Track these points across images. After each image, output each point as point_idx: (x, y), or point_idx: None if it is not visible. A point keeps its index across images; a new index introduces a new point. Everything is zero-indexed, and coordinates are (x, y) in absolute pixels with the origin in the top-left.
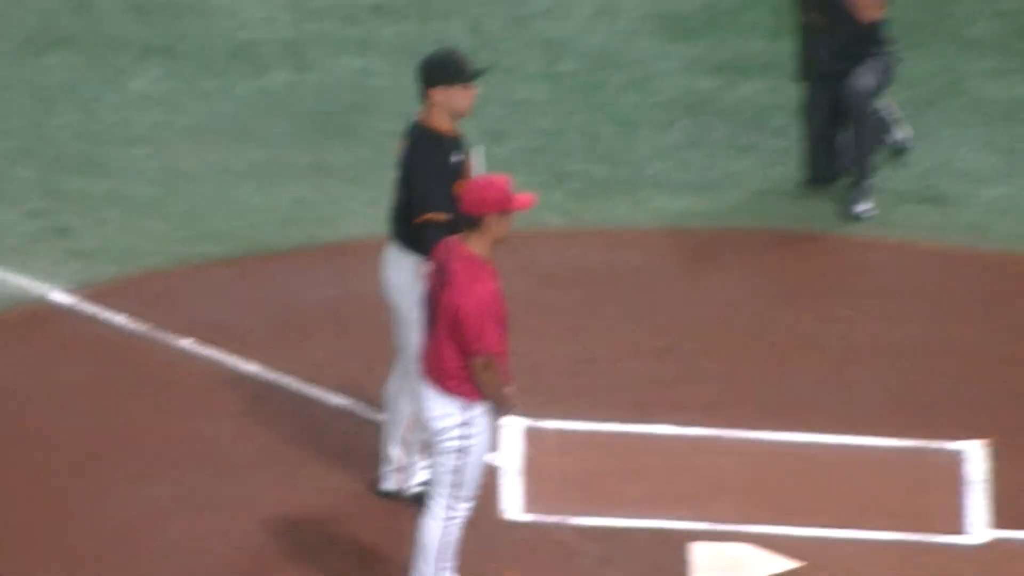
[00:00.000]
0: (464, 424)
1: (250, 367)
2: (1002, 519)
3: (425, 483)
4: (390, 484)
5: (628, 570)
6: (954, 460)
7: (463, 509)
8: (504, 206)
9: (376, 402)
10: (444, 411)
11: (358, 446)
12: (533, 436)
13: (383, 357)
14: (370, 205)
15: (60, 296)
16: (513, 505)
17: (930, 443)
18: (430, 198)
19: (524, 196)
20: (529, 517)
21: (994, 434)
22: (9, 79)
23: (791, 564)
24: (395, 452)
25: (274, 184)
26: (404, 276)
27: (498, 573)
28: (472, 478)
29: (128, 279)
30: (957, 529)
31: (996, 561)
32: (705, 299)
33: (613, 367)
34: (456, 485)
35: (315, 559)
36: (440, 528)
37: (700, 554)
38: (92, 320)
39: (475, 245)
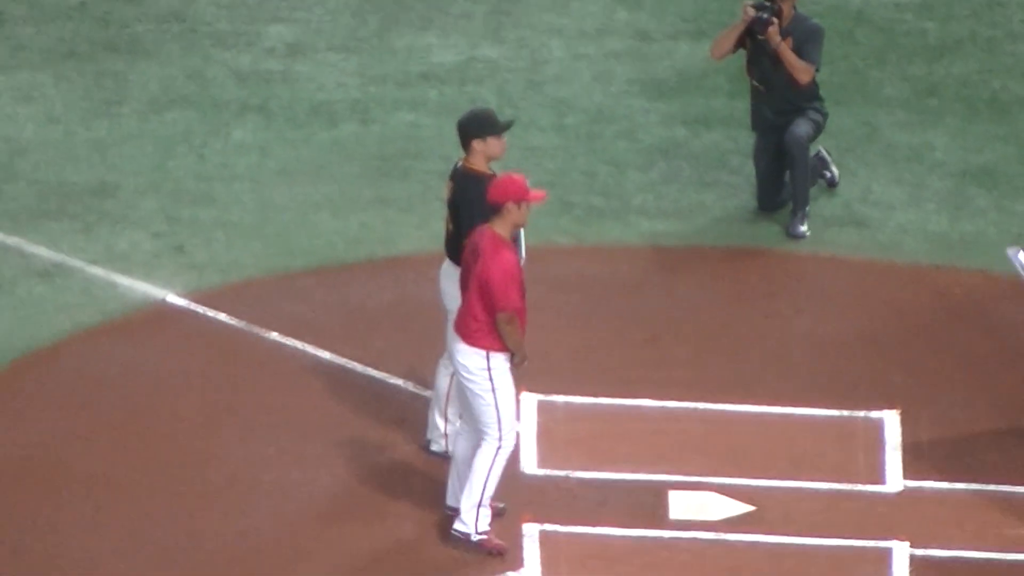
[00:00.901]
0: (486, 369)
1: (325, 355)
2: (910, 472)
3: None
4: (437, 447)
5: (619, 512)
6: (875, 425)
7: (509, 440)
8: (521, 197)
9: (425, 382)
10: (472, 360)
11: (412, 416)
12: (544, 407)
13: (431, 346)
14: (419, 228)
15: (176, 299)
16: (529, 461)
17: (855, 412)
18: (474, 225)
19: (537, 191)
20: (541, 471)
21: (904, 406)
22: (138, 131)
23: (746, 508)
24: (440, 421)
25: (345, 212)
26: (454, 285)
27: (518, 515)
28: (509, 413)
29: (230, 286)
30: (877, 480)
31: (907, 504)
32: (679, 301)
33: (607, 354)
34: (497, 420)
35: (378, 504)
36: (491, 458)
37: (675, 500)
38: (202, 318)
39: (499, 228)
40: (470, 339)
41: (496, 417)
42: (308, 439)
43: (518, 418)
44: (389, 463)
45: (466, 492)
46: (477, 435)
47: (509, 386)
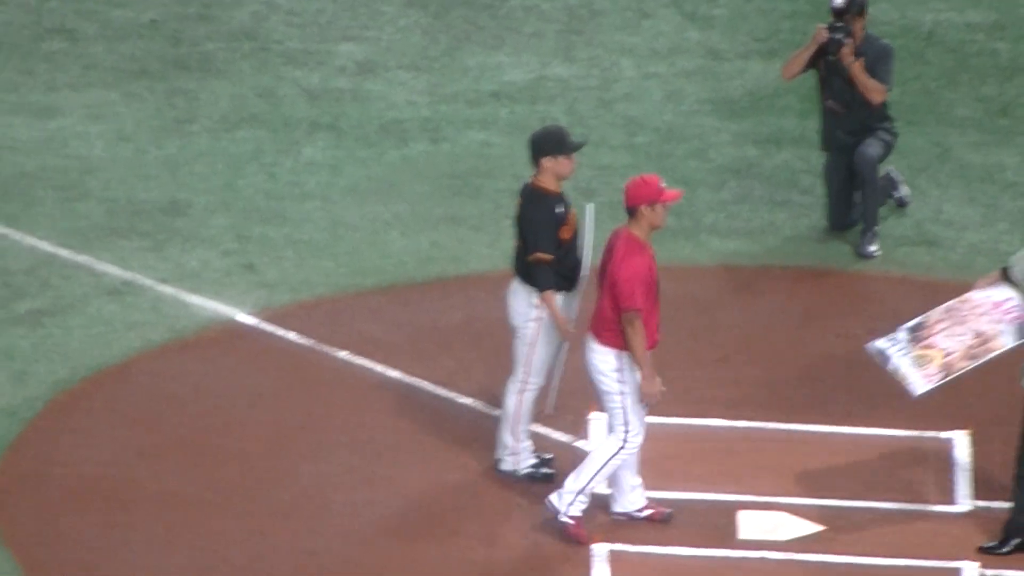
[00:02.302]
0: (619, 369)
1: (395, 373)
2: (980, 493)
3: (535, 464)
4: (507, 465)
5: (689, 531)
6: (945, 446)
7: (634, 441)
8: (654, 198)
9: (495, 401)
10: (603, 359)
11: (481, 436)
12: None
13: (500, 365)
14: (489, 247)
15: (246, 318)
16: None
17: (925, 432)
18: (538, 243)
19: (672, 191)
20: (611, 490)
21: (974, 426)
22: (210, 149)
23: (816, 527)
24: (509, 440)
25: (416, 231)
26: (521, 303)
27: (588, 534)
28: (636, 414)
29: (300, 304)
30: (947, 500)
31: (977, 525)
32: (750, 320)
33: (679, 373)
34: (624, 421)
35: (449, 524)
36: (609, 456)
37: (745, 519)
38: (272, 336)
39: (634, 229)
40: (602, 338)
41: (624, 418)
42: (378, 458)
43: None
44: (459, 482)
45: (575, 473)
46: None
47: (637, 389)
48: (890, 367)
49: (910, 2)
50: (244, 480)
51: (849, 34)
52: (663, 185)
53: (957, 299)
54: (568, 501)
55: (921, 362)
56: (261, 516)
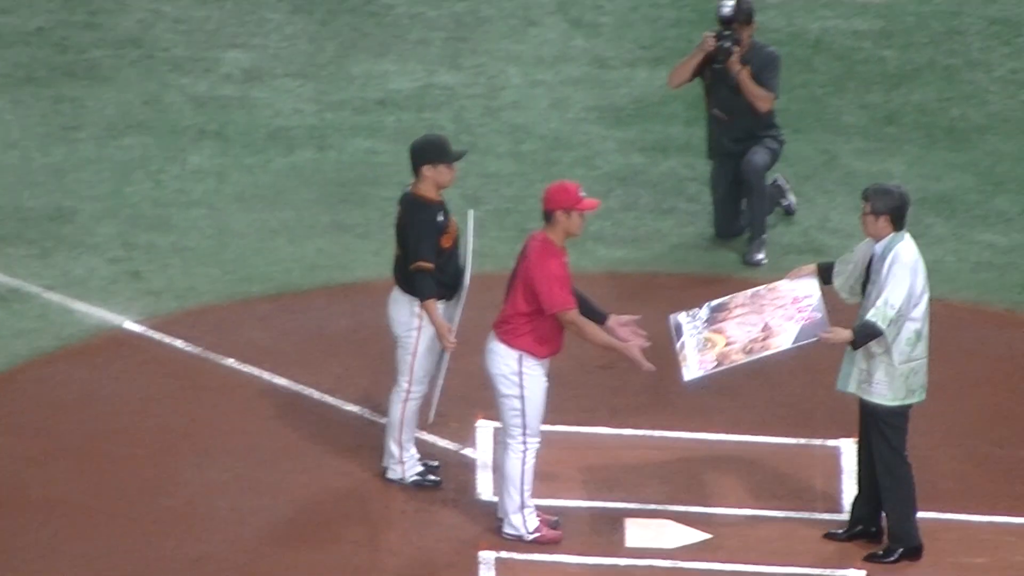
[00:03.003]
0: (517, 374)
1: (282, 381)
2: None
3: (421, 472)
4: (394, 474)
5: (575, 539)
6: (832, 453)
7: (533, 443)
8: (571, 205)
9: (382, 409)
10: (504, 361)
11: (367, 442)
12: (500, 436)
13: (386, 373)
14: (376, 255)
15: (133, 325)
16: (486, 488)
17: (812, 440)
18: (420, 252)
19: (590, 200)
20: (497, 498)
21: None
22: (95, 156)
23: (703, 535)
24: (395, 449)
25: (302, 238)
26: (402, 312)
27: (474, 542)
28: (534, 417)
29: (187, 312)
30: (835, 508)
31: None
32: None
33: (564, 381)
34: (522, 424)
35: (334, 530)
36: (520, 461)
37: (632, 527)
38: (158, 344)
39: (549, 234)
40: (506, 337)
41: (522, 422)
42: (265, 466)
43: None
44: (345, 489)
45: (507, 499)
46: (504, 438)
47: (538, 391)
48: (677, 345)
49: (797, 9)
50: (131, 487)
51: (737, 42)
52: (582, 194)
53: (766, 286)
54: (520, 522)
55: (704, 346)
56: (147, 523)
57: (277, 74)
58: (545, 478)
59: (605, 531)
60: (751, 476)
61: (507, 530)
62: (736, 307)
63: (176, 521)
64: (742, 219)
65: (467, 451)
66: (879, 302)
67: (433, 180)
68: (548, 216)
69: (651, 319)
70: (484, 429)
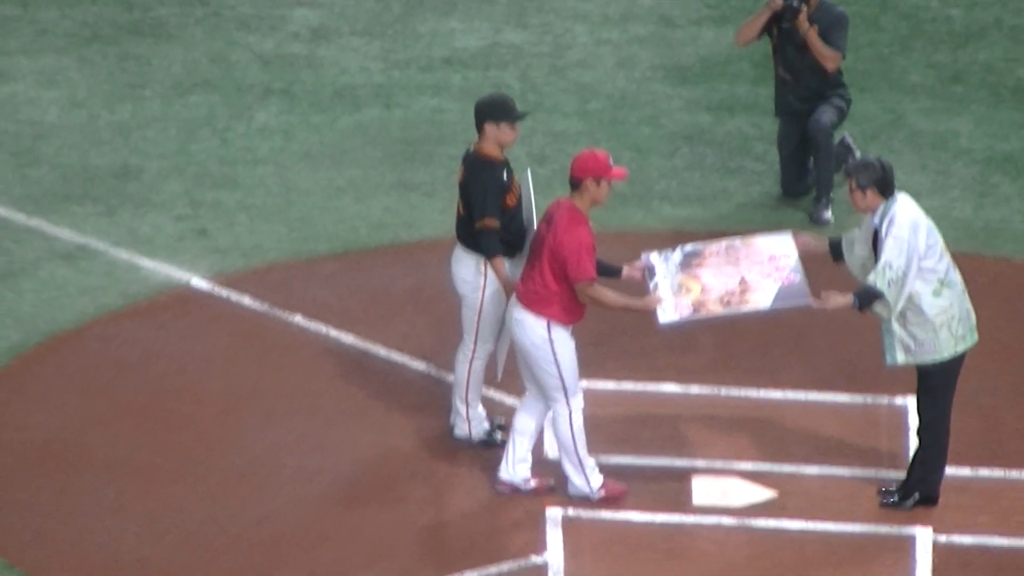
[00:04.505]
0: (547, 340)
1: (348, 338)
2: None
3: (488, 430)
4: (460, 432)
5: (642, 497)
6: (899, 411)
7: (576, 403)
8: (600, 174)
9: (448, 366)
10: (533, 329)
11: (434, 401)
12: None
13: (452, 331)
14: (441, 213)
15: (199, 283)
16: (552, 446)
17: (879, 398)
18: (485, 210)
19: (619, 169)
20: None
21: None
22: (162, 114)
23: (769, 494)
24: (461, 407)
25: (368, 196)
26: (467, 270)
27: (541, 499)
28: (572, 379)
29: (253, 270)
30: (901, 466)
31: None
32: None
33: (631, 340)
34: (562, 387)
35: (400, 489)
36: (567, 423)
37: (699, 485)
38: (224, 302)
39: (576, 201)
40: (534, 306)
41: (561, 385)
42: (330, 424)
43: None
44: (411, 448)
45: (564, 462)
46: (541, 403)
47: (570, 353)
48: (651, 285)
49: None
50: (196, 446)
51: (804, 1)
52: (611, 163)
53: (741, 239)
54: (583, 481)
55: (679, 291)
56: (212, 482)
57: (344, 32)
58: (613, 436)
59: (671, 489)
60: (817, 434)
61: (571, 491)
62: (710, 255)
63: (240, 481)
64: (809, 178)
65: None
66: (879, 265)
67: (495, 139)
68: (576, 184)
69: None
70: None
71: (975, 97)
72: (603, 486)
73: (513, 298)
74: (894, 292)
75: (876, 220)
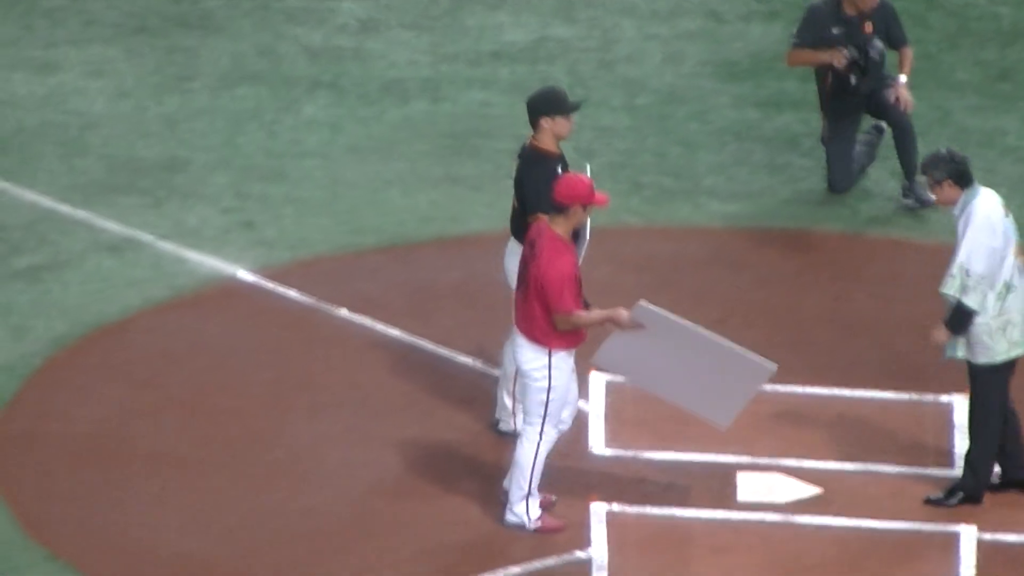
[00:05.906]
0: (546, 367)
1: (394, 332)
2: None
3: None
4: (506, 426)
5: (686, 493)
6: (944, 409)
7: (550, 434)
8: (587, 200)
9: (494, 360)
10: (532, 356)
11: (480, 395)
12: (613, 388)
13: (499, 325)
14: (489, 207)
15: (245, 275)
16: (597, 442)
17: (925, 396)
18: (540, 205)
19: (601, 194)
20: (609, 451)
21: None
22: (209, 107)
23: (814, 490)
24: (508, 401)
25: (415, 190)
26: (518, 263)
27: (586, 495)
28: (556, 410)
29: (299, 263)
30: (946, 464)
31: None
32: (749, 281)
33: None
34: (544, 415)
35: (445, 483)
36: (533, 449)
37: (743, 481)
38: (270, 294)
39: (559, 227)
40: (532, 336)
41: (543, 412)
42: (375, 417)
43: (563, 418)
44: (457, 442)
45: (513, 484)
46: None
47: (562, 387)
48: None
49: None
50: (240, 439)
51: (863, 74)
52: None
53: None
54: (523, 510)
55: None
56: (256, 475)
57: (392, 25)
58: (658, 433)
59: (716, 485)
60: (862, 431)
61: (509, 517)
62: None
63: (285, 473)
64: (856, 174)
65: (580, 403)
66: (953, 269)
67: (551, 132)
68: (563, 209)
69: (763, 272)
70: (596, 381)
71: (1022, 95)
72: (540, 519)
73: (515, 323)
74: (976, 297)
75: (956, 211)
